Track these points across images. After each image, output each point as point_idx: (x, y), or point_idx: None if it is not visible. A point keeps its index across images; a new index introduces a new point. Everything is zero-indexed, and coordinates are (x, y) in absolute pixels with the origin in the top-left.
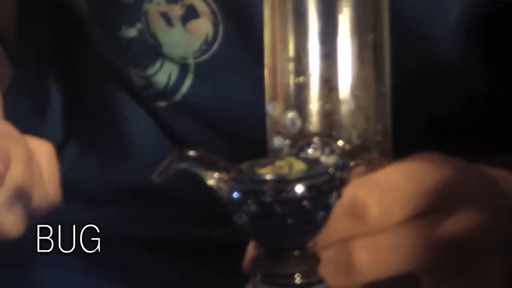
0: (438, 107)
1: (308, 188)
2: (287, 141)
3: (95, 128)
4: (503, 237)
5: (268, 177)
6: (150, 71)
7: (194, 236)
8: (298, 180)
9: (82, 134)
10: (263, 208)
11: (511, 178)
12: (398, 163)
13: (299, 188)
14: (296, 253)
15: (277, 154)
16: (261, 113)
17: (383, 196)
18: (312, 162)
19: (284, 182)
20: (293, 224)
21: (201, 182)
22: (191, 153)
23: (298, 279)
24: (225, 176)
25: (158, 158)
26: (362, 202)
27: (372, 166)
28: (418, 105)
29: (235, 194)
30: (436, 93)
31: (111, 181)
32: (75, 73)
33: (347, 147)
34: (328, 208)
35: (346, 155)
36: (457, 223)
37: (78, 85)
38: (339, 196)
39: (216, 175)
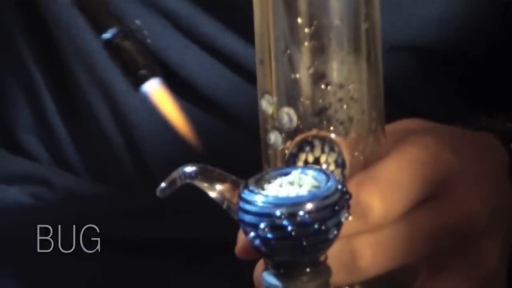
0: None
1: (323, 209)
2: (283, 135)
3: None
4: (496, 212)
5: (282, 200)
6: None
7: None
8: (312, 201)
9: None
10: (277, 231)
11: (497, 143)
12: (394, 151)
13: (314, 210)
14: (308, 269)
15: (274, 149)
16: None
17: (385, 193)
18: (321, 175)
19: (298, 205)
20: (307, 244)
21: None
22: (195, 168)
23: None
24: (230, 189)
25: None
26: (364, 202)
27: (369, 156)
28: None
29: (247, 217)
30: None
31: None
32: None
33: (345, 140)
34: (340, 225)
35: (344, 149)
36: (455, 209)
37: None
38: (349, 214)
39: (219, 187)
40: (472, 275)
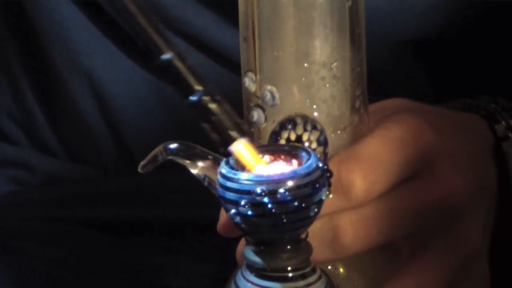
0: None
1: (303, 187)
2: (266, 113)
3: None
4: (478, 191)
5: (262, 177)
6: None
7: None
8: (292, 178)
9: None
10: (257, 208)
11: (481, 123)
12: (376, 129)
13: (294, 187)
14: (289, 246)
15: (256, 127)
16: None
17: (367, 171)
18: (301, 152)
19: (278, 182)
20: (288, 222)
21: None
22: (177, 145)
23: (291, 273)
24: (211, 166)
25: None
26: (346, 179)
27: (351, 135)
28: None
29: (228, 194)
30: None
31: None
32: None
33: (328, 119)
34: (321, 203)
35: (327, 127)
36: (437, 187)
37: None
38: (330, 192)
39: (200, 164)
40: (454, 254)
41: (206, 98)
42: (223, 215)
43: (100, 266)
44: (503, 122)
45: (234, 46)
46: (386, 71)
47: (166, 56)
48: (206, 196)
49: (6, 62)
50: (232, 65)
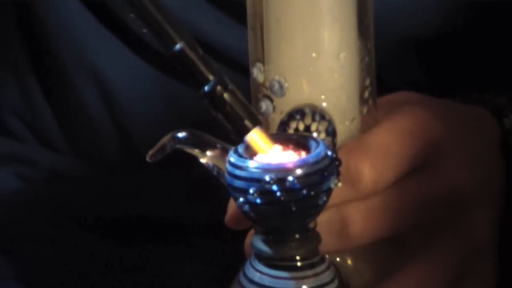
0: None
1: (312, 175)
2: (274, 103)
3: None
4: (486, 184)
5: (271, 165)
6: None
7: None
8: (301, 166)
9: None
10: (266, 196)
11: (487, 116)
12: (385, 120)
13: (303, 175)
14: (297, 235)
15: (265, 117)
16: None
17: (375, 161)
18: (310, 141)
19: (287, 170)
20: (296, 210)
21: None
22: (185, 133)
23: (299, 262)
24: (220, 155)
25: None
26: (354, 169)
27: (360, 126)
28: None
29: (237, 182)
30: None
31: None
32: None
33: (336, 109)
34: (329, 191)
35: (336, 117)
36: (445, 179)
37: None
38: (339, 180)
39: (209, 153)
40: (460, 247)
41: (219, 88)
42: (231, 208)
43: (99, 266)
44: (511, 116)
45: (239, 48)
46: (386, 67)
47: (178, 46)
48: (208, 196)
49: (12, 58)
50: (237, 67)
